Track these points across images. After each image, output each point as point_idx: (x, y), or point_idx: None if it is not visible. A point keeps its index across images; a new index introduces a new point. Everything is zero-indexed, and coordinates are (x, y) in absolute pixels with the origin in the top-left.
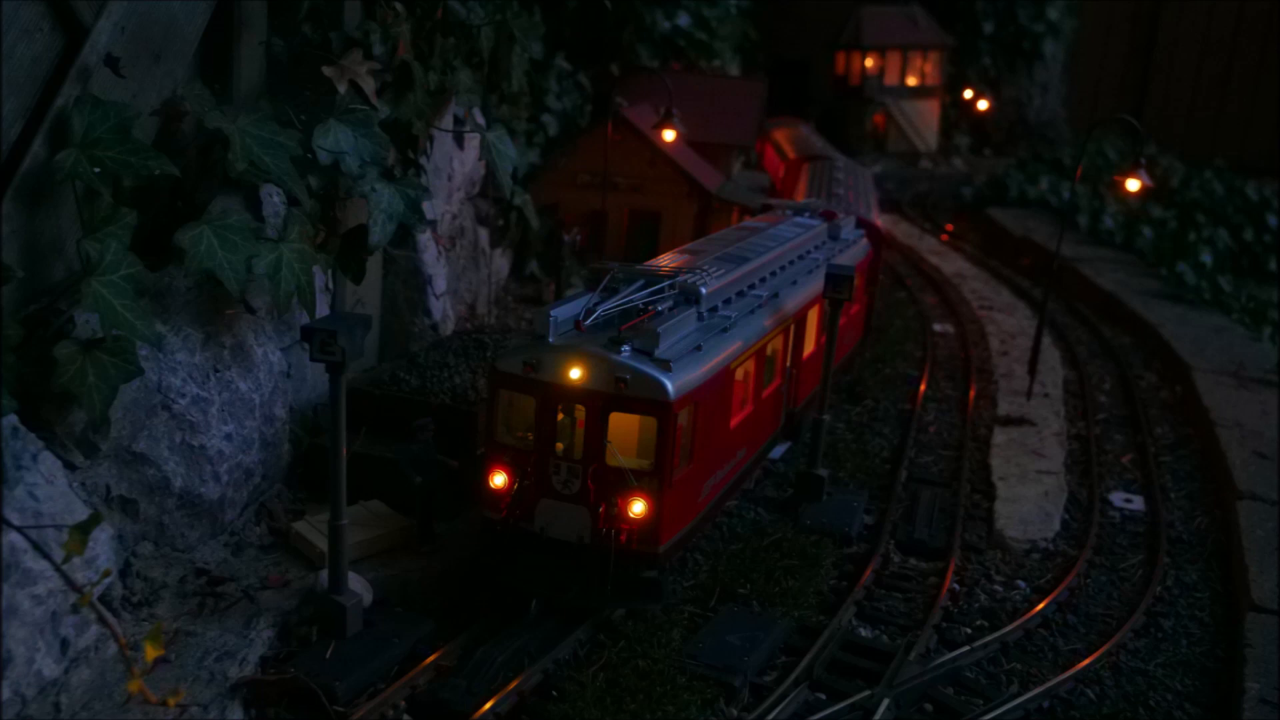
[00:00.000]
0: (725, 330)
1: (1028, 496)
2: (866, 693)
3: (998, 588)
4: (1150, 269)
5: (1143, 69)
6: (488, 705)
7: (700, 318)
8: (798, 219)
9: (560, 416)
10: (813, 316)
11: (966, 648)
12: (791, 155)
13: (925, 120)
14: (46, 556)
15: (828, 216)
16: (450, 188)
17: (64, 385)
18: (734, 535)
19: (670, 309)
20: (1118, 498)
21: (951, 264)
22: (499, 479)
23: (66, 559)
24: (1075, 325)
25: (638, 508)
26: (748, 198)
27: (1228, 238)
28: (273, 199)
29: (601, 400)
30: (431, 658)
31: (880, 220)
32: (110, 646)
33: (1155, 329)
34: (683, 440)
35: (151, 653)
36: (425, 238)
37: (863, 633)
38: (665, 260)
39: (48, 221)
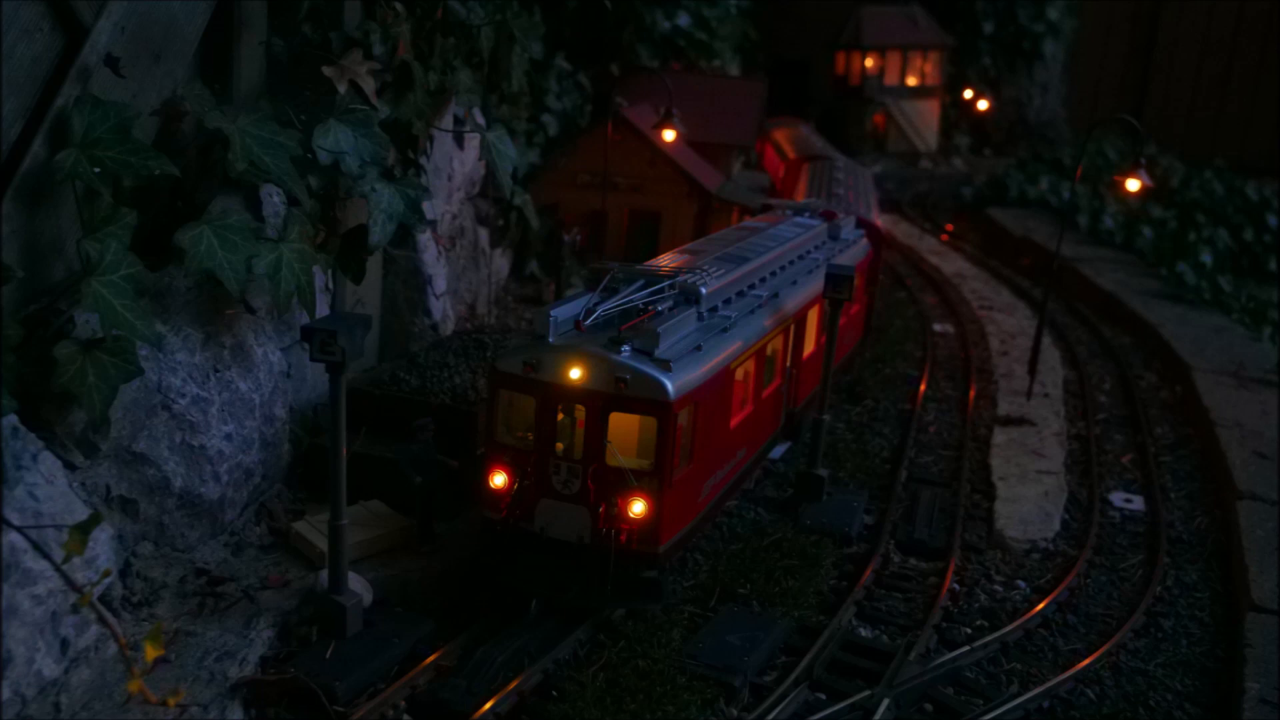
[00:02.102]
0: (725, 330)
1: (1028, 496)
2: (866, 693)
3: (998, 588)
4: (1150, 269)
5: (1143, 69)
6: (488, 705)
7: (700, 318)
8: (798, 219)
9: (560, 416)
10: (813, 316)
11: (966, 648)
12: (791, 155)
13: (925, 120)
14: (46, 556)
15: (828, 216)
16: (450, 188)
17: (64, 385)
18: (734, 535)
19: (670, 309)
20: (1118, 498)
21: (951, 264)
22: (499, 479)
23: (66, 559)
24: (1075, 325)
25: (638, 508)
26: (748, 198)
27: (1228, 238)
28: (273, 199)
29: (601, 400)
30: (431, 658)
31: (880, 220)
32: (110, 646)
33: (1155, 329)
34: (683, 440)
35: (151, 653)
36: (425, 238)
37: (863, 633)
38: (665, 260)
39: (48, 221)
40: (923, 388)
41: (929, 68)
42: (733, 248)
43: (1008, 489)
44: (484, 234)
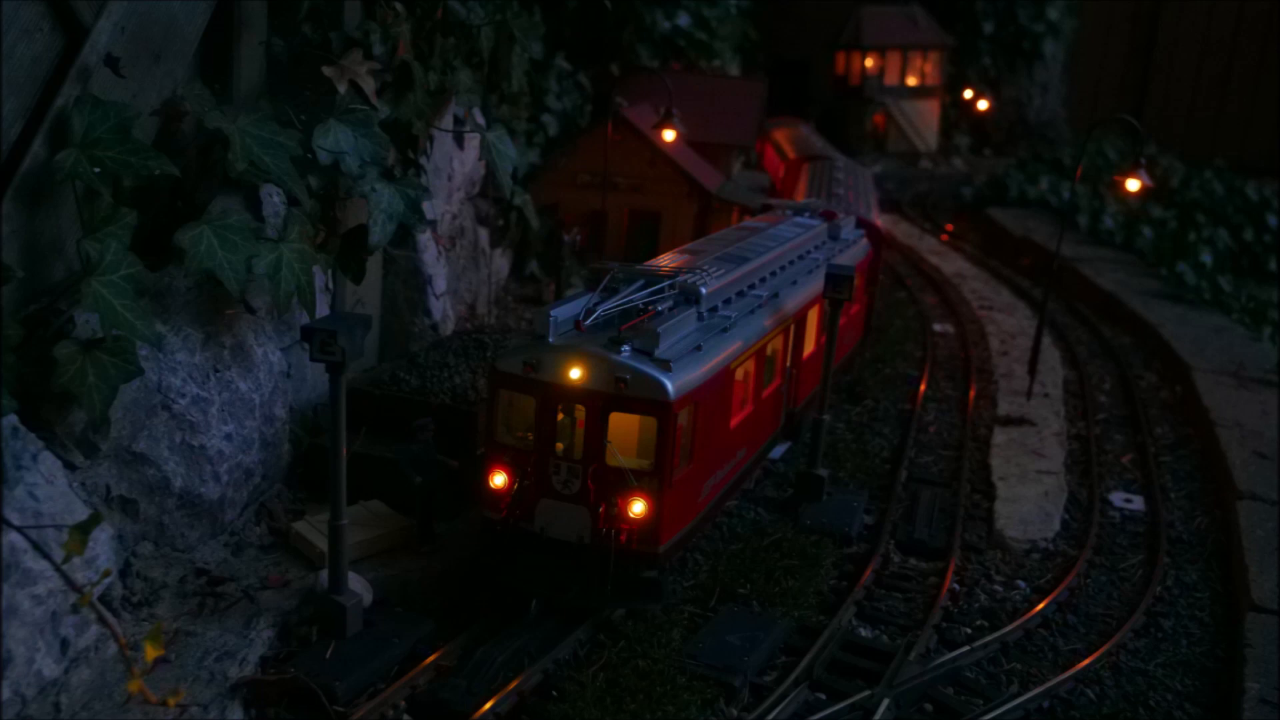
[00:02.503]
0: (725, 330)
1: (1028, 496)
2: (866, 693)
3: (998, 588)
4: (1150, 269)
5: (1143, 69)
6: (488, 705)
7: (700, 318)
8: (798, 219)
9: (560, 416)
10: (813, 316)
11: (966, 648)
12: (791, 155)
13: (925, 120)
14: (46, 556)
15: (828, 216)
16: (450, 188)
17: (64, 385)
18: (734, 535)
19: (670, 309)
20: (1118, 498)
21: (951, 264)
22: (499, 479)
23: (66, 559)
24: (1075, 325)
25: (638, 508)
26: (748, 198)
27: (1228, 238)
28: (273, 199)
29: (601, 400)
30: (431, 658)
31: (880, 220)
32: (110, 646)
33: (1155, 329)
34: (683, 440)
35: (151, 653)
36: (425, 238)
37: (863, 633)
38: (665, 260)
39: (48, 221)
40: (923, 388)
41: (929, 68)
42: (733, 248)
43: (1008, 489)
44: (484, 234)
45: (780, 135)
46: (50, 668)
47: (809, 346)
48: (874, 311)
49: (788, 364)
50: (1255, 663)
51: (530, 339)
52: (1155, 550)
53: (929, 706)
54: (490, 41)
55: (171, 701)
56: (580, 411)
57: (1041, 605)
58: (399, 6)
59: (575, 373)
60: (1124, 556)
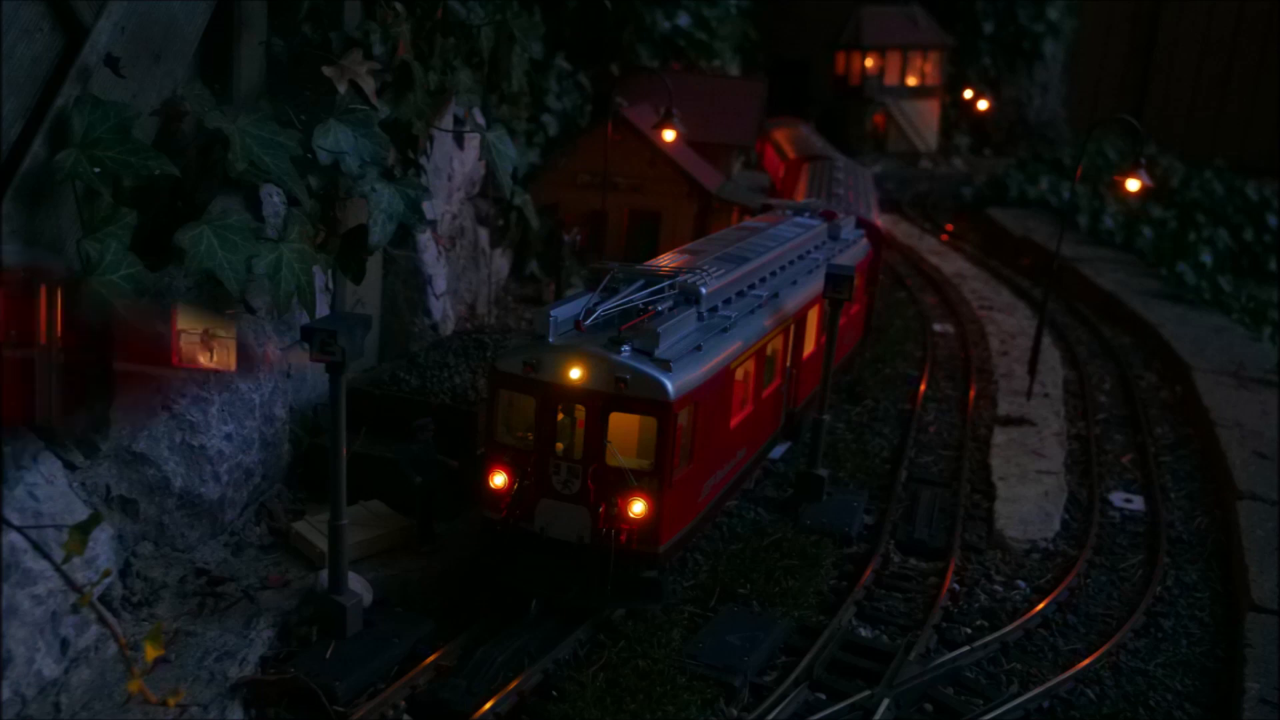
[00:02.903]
0: (725, 330)
1: (1028, 496)
2: (866, 693)
3: (998, 588)
4: (1150, 269)
5: (1143, 69)
6: (488, 705)
7: (700, 318)
8: (798, 219)
9: (560, 416)
10: (813, 316)
11: (966, 648)
12: (791, 155)
13: (925, 120)
14: (46, 556)
15: (828, 216)
16: (450, 188)
17: None
18: (734, 535)
19: (670, 309)
20: (1118, 498)
21: (951, 264)
22: (499, 479)
23: (66, 559)
24: (1075, 325)
25: (638, 508)
26: (748, 198)
27: (1228, 238)
28: (273, 199)
29: (601, 400)
30: (431, 658)
31: (880, 220)
32: (110, 646)
33: (1155, 329)
34: (683, 440)
35: (151, 653)
36: (425, 238)
37: (863, 633)
38: (665, 260)
39: (48, 221)
40: (923, 388)
41: (929, 68)
42: (733, 248)
43: (1008, 489)
44: (484, 234)
45: (780, 135)
46: (50, 668)
47: (809, 346)
48: (874, 311)
49: (788, 364)
50: (1255, 663)
51: (530, 339)
52: (1155, 550)
53: (929, 706)
54: (490, 41)
55: (171, 701)
56: (580, 411)
57: (1041, 605)
58: (399, 6)
59: (575, 373)
60: (1124, 556)
